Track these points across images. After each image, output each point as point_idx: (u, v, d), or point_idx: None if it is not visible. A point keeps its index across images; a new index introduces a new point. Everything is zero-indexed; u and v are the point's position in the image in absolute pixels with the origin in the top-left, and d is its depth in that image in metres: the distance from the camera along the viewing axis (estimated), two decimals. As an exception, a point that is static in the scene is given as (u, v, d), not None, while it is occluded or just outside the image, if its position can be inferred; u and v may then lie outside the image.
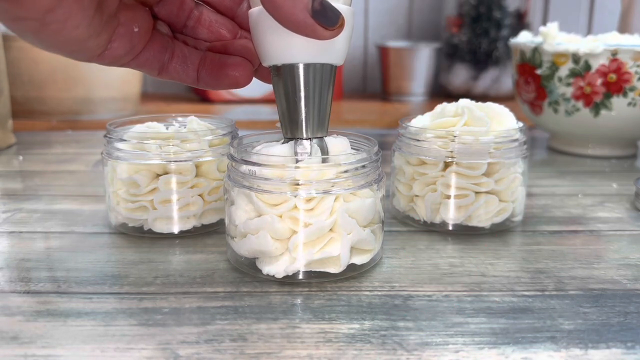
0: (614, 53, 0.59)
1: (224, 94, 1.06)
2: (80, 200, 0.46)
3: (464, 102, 0.40)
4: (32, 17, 0.23)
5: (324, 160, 0.30)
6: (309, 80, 0.29)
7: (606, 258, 0.35)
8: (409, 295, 0.30)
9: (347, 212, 0.30)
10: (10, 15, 0.23)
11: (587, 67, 0.60)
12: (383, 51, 1.11)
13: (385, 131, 0.82)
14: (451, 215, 0.38)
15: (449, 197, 0.38)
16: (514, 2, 1.05)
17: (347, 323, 0.27)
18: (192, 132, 0.38)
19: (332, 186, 0.30)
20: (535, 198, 0.48)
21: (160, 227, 0.38)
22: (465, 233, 0.39)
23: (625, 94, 0.60)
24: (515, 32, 0.99)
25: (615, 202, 0.47)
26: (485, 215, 0.38)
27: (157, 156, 0.37)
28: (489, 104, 0.40)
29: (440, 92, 1.14)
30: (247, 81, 0.30)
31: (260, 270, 0.31)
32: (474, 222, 0.38)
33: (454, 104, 0.40)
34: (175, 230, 0.38)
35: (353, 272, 0.32)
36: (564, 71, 0.62)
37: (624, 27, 0.93)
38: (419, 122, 0.41)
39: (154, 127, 0.40)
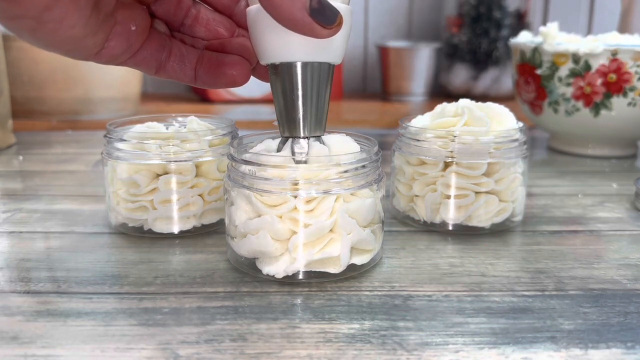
0: (614, 53, 0.59)
1: (224, 94, 1.06)
2: (80, 200, 0.46)
3: (464, 102, 0.40)
4: (29, 16, 0.23)
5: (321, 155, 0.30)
6: (307, 79, 0.29)
7: (606, 258, 0.35)
8: (409, 295, 0.30)
9: (347, 212, 0.30)
10: (7, 14, 0.23)
11: (587, 67, 0.60)
12: (383, 51, 1.11)
13: (385, 131, 0.82)
14: (451, 215, 0.38)
15: (449, 197, 0.38)
16: (514, 2, 1.05)
17: (347, 323, 0.27)
18: (192, 132, 0.38)
19: (333, 186, 0.30)
20: (535, 198, 0.48)
21: (160, 227, 0.38)
22: (465, 233, 0.39)
23: (625, 94, 0.60)
24: (515, 32, 0.99)
25: (615, 202, 0.47)
26: (485, 215, 0.38)
27: (157, 156, 0.37)
28: (489, 104, 0.40)
29: (440, 92, 1.14)
30: (245, 80, 0.30)
31: (260, 270, 0.31)
32: (474, 222, 0.38)
33: (454, 104, 0.40)
34: (175, 230, 0.38)
35: (353, 272, 0.32)
36: (564, 71, 0.62)
37: (624, 27, 0.93)
38: (419, 122, 0.41)
39: (154, 127, 0.40)
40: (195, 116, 0.41)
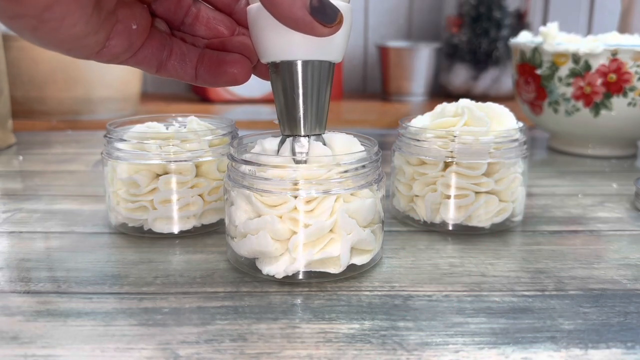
0: (614, 53, 0.59)
1: (224, 94, 1.06)
2: (80, 200, 0.46)
3: (464, 102, 0.40)
4: (30, 15, 0.23)
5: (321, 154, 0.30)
6: (307, 77, 0.29)
7: (606, 258, 0.35)
8: (409, 295, 0.30)
9: (347, 213, 0.30)
10: (8, 13, 0.23)
11: (587, 67, 0.60)
12: (383, 51, 1.11)
13: (385, 131, 0.82)
14: (451, 215, 0.38)
15: (449, 197, 0.38)
16: (514, 2, 1.05)
17: (347, 323, 0.27)
18: (192, 132, 0.38)
19: (333, 186, 0.30)
20: (535, 198, 0.48)
21: (160, 227, 0.37)
22: (465, 233, 0.39)
23: (625, 94, 0.60)
24: (515, 32, 0.99)
25: (615, 202, 0.47)
26: (485, 215, 0.38)
27: (157, 156, 0.37)
28: (489, 104, 0.40)
29: (440, 92, 1.14)
30: (246, 78, 0.30)
31: (260, 271, 0.31)
32: (474, 222, 0.38)
33: (454, 104, 0.40)
34: (175, 230, 0.38)
35: (353, 272, 0.32)
36: (564, 71, 0.62)
37: (624, 27, 0.93)
38: (419, 122, 0.41)
39: (154, 127, 0.40)
40: (195, 116, 0.41)
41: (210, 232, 0.39)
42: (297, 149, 0.30)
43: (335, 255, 0.30)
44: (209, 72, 0.30)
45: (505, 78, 1.07)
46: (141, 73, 0.94)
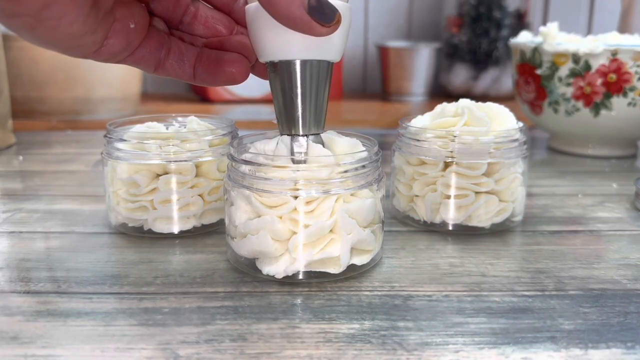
0: (614, 53, 0.59)
1: (224, 93, 1.06)
2: (80, 200, 0.46)
3: (464, 102, 0.40)
4: (27, 14, 0.23)
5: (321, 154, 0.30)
6: (306, 76, 0.29)
7: (606, 258, 0.35)
8: (409, 295, 0.30)
9: (347, 213, 0.30)
10: (6, 12, 0.23)
11: (587, 67, 0.60)
12: (383, 51, 1.11)
13: (385, 131, 0.82)
14: (451, 215, 0.38)
15: (449, 197, 0.38)
16: (514, 2, 1.05)
17: (347, 323, 0.27)
18: (192, 132, 0.38)
19: (333, 186, 0.30)
20: (535, 198, 0.48)
21: (160, 227, 0.37)
22: (465, 233, 0.39)
23: (625, 94, 0.60)
24: (515, 32, 0.99)
25: (615, 202, 0.47)
26: (485, 215, 0.38)
27: (157, 156, 0.37)
28: (489, 104, 0.40)
29: (440, 92, 1.14)
30: (244, 77, 0.30)
31: (260, 271, 0.31)
32: (474, 222, 0.38)
33: (454, 104, 0.40)
34: (175, 230, 0.38)
35: (353, 272, 0.32)
36: (564, 71, 0.62)
37: (624, 27, 0.93)
38: (419, 122, 0.41)
39: (154, 127, 0.40)
40: (195, 116, 0.41)
41: (210, 232, 0.39)
42: (296, 149, 0.30)
43: (336, 255, 0.30)
44: (207, 72, 0.30)
45: (505, 78, 1.07)
46: (141, 73, 0.94)
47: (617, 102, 0.60)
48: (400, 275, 0.32)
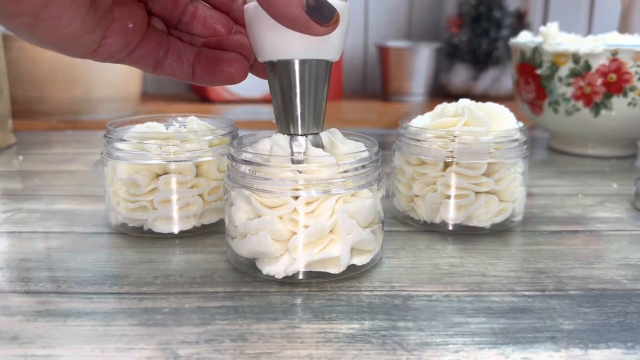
0: (614, 53, 0.59)
1: (224, 94, 1.06)
2: (80, 200, 0.46)
3: (464, 102, 0.40)
4: (26, 13, 0.23)
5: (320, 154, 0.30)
6: (305, 76, 0.29)
7: (606, 258, 0.35)
8: (409, 295, 0.30)
9: (348, 213, 0.30)
10: (4, 11, 0.23)
11: (587, 67, 0.60)
12: (383, 51, 1.11)
13: (385, 131, 0.82)
14: (451, 215, 0.38)
15: (449, 197, 0.38)
16: (514, 2, 1.05)
17: (347, 323, 0.27)
18: (192, 132, 0.38)
19: (332, 186, 0.30)
20: (535, 198, 0.48)
21: (160, 227, 0.37)
22: (465, 233, 0.39)
23: (625, 94, 0.60)
24: (515, 32, 0.99)
25: (615, 202, 0.47)
26: (485, 215, 0.38)
27: (157, 156, 0.37)
28: (489, 104, 0.40)
29: (440, 92, 1.14)
30: (243, 77, 0.30)
31: (260, 271, 0.31)
32: (474, 222, 0.38)
33: (454, 104, 0.40)
34: (175, 230, 0.38)
35: (353, 272, 0.32)
36: (564, 71, 0.62)
37: (624, 27, 0.93)
38: (419, 122, 0.41)
39: (154, 127, 0.40)
40: (195, 116, 0.41)
41: (210, 232, 0.39)
42: (295, 149, 0.30)
43: (336, 255, 0.30)
44: (206, 71, 0.30)
45: (505, 78, 1.07)
46: (141, 73, 0.94)
47: (617, 102, 0.60)
48: (400, 275, 0.32)
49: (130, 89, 0.91)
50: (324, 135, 0.32)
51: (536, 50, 0.63)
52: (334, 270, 0.31)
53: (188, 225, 0.38)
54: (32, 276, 0.32)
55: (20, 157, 0.63)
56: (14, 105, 0.75)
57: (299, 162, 0.30)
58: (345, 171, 0.30)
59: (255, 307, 0.28)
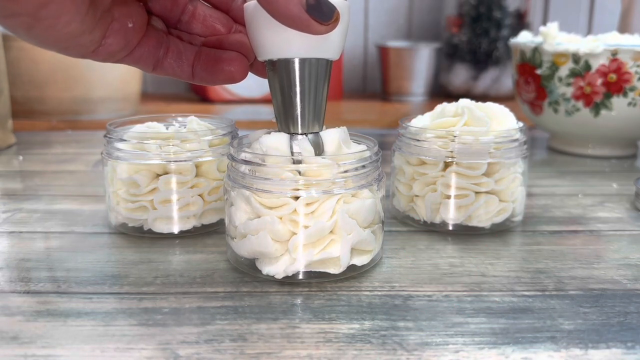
0: (614, 53, 0.59)
1: (224, 94, 1.06)
2: (80, 200, 0.46)
3: (464, 102, 0.40)
4: (25, 13, 0.23)
5: (318, 155, 0.30)
6: (305, 75, 0.29)
7: (606, 258, 0.35)
8: (409, 295, 0.30)
9: (348, 213, 0.30)
10: (3, 11, 0.23)
11: (587, 67, 0.60)
12: (383, 51, 1.11)
13: (385, 131, 0.82)
14: (451, 215, 0.38)
15: (449, 197, 0.38)
16: (514, 2, 1.05)
17: (347, 323, 0.27)
18: (192, 132, 0.38)
19: (333, 185, 0.30)
20: (535, 198, 0.48)
21: (160, 227, 0.37)
22: (465, 233, 0.39)
23: (625, 94, 0.60)
24: (515, 32, 0.99)
25: (615, 202, 0.47)
26: (485, 215, 0.38)
27: (157, 156, 0.37)
28: (489, 104, 0.40)
29: (440, 92, 1.14)
30: (243, 76, 0.30)
31: (260, 271, 0.31)
32: (474, 222, 0.38)
33: (454, 104, 0.40)
34: (175, 230, 0.38)
35: (353, 272, 0.32)
36: (564, 71, 0.62)
37: (624, 27, 0.93)
38: (419, 122, 0.41)
39: (154, 127, 0.40)
40: (195, 116, 0.41)
41: (210, 232, 0.39)
42: (295, 148, 0.30)
43: (336, 255, 0.30)
44: (206, 70, 0.30)
45: (505, 78, 1.07)
46: (141, 73, 0.94)
47: (617, 102, 0.60)
48: (400, 275, 0.32)
49: (130, 89, 0.91)
50: (338, 132, 0.31)
51: (536, 50, 0.63)
52: (334, 270, 0.31)
53: (188, 225, 0.38)
54: (32, 276, 0.32)
55: (20, 157, 0.63)
56: (14, 105, 0.75)
57: (299, 162, 0.30)
58: (345, 171, 0.30)
59: (255, 307, 0.28)
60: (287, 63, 0.28)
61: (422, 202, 0.39)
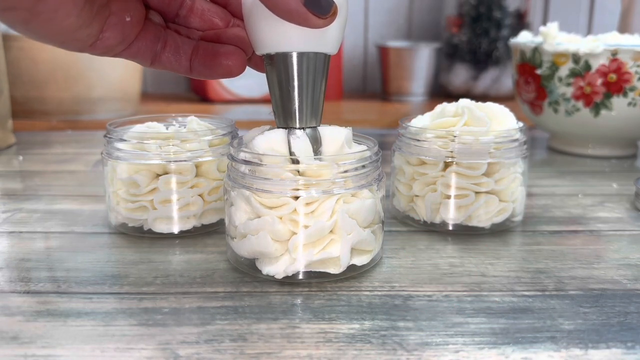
0: (614, 53, 0.59)
1: (224, 94, 1.06)
2: (80, 200, 0.46)
3: (464, 102, 0.40)
4: (22, 7, 0.23)
5: (316, 150, 0.30)
6: (303, 69, 0.29)
7: (606, 258, 0.35)
8: (409, 295, 0.30)
9: (348, 213, 0.30)
10: (1, 5, 0.23)
11: (587, 67, 0.60)
12: (383, 51, 1.11)
13: (385, 131, 0.82)
14: (451, 215, 0.38)
15: (449, 197, 0.38)
16: (514, 2, 1.05)
17: (347, 323, 0.27)
18: (192, 132, 0.38)
19: (333, 185, 0.30)
20: (535, 198, 0.48)
21: (160, 227, 0.37)
22: (465, 233, 0.39)
23: (625, 94, 0.60)
24: (515, 32, 0.99)
25: (615, 202, 0.47)
26: (485, 215, 0.38)
27: (157, 156, 0.37)
28: (489, 104, 0.40)
29: (440, 92, 1.14)
30: (241, 70, 0.30)
31: (260, 271, 0.31)
32: (474, 222, 0.38)
33: (454, 104, 0.40)
34: (175, 230, 0.38)
35: (353, 272, 0.32)
36: (564, 71, 0.62)
37: (624, 27, 0.93)
38: (419, 122, 0.41)
39: (154, 127, 0.40)
40: (195, 116, 0.41)
41: (210, 232, 0.39)
42: (293, 143, 0.30)
43: (336, 255, 0.30)
44: (204, 64, 0.30)
45: (505, 78, 1.07)
46: (141, 73, 0.94)
47: (617, 102, 0.60)
48: (400, 275, 0.32)
49: (130, 88, 0.91)
50: (344, 132, 0.31)
51: (536, 50, 0.63)
52: (334, 270, 0.31)
53: (188, 225, 0.38)
54: (32, 276, 0.32)
55: (20, 157, 0.63)
56: (14, 105, 0.75)
57: (298, 162, 0.30)
58: (345, 171, 0.30)
59: (255, 307, 0.28)
60: (285, 57, 0.28)
61: (422, 202, 0.39)
